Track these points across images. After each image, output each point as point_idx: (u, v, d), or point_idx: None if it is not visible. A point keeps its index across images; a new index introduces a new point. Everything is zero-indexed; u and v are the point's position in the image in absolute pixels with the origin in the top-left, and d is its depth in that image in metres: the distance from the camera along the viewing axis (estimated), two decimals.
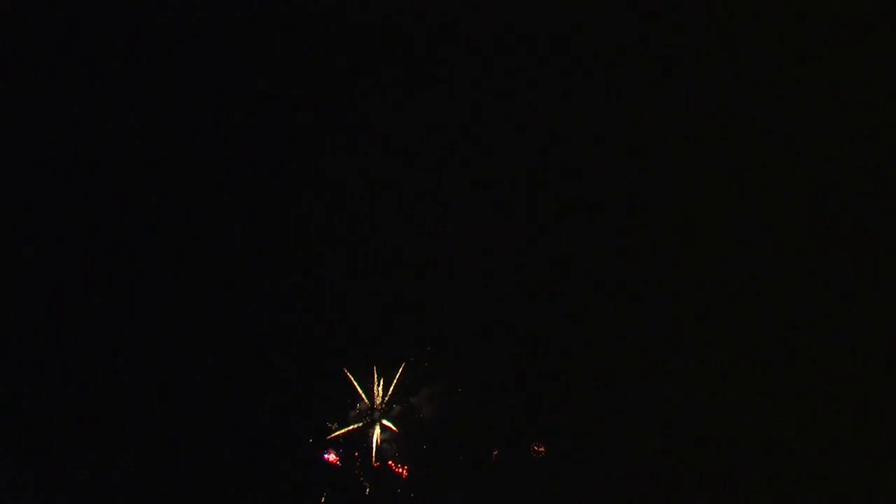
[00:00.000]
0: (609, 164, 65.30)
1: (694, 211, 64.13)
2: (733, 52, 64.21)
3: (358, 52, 66.75)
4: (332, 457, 64.80)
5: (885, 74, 61.01)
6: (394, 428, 64.13)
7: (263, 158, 66.61)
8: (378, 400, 64.53)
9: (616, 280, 64.28)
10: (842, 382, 60.16)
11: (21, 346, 62.87)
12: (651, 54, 65.30)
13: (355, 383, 64.60)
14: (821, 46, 62.43)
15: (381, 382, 64.35)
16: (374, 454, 64.18)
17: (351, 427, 64.50)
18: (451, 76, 66.60)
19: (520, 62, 66.14)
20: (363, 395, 64.66)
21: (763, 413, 61.00)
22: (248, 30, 66.16)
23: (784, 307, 62.22)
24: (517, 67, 66.23)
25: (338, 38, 66.84)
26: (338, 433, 64.31)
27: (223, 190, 66.10)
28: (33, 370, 62.90)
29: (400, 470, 64.22)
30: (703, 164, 64.01)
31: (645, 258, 64.18)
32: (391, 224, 66.13)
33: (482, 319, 64.79)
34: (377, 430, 64.37)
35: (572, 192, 65.54)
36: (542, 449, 63.23)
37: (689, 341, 62.48)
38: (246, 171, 66.42)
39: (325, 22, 66.13)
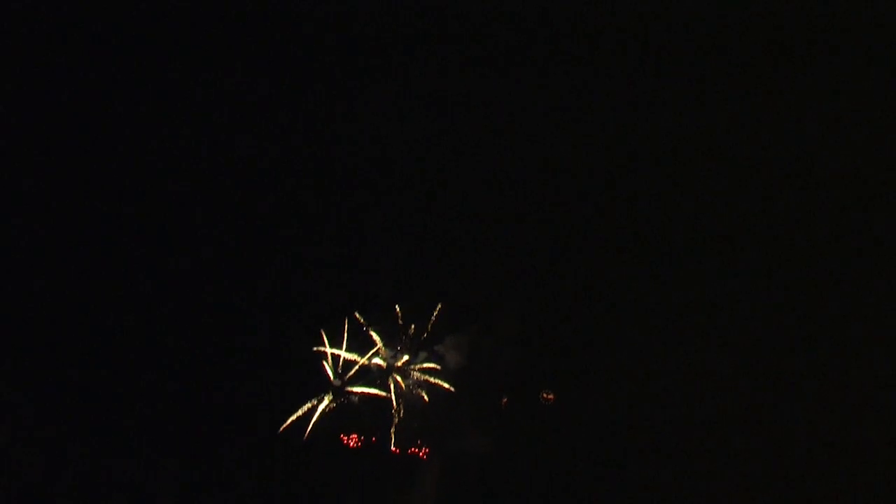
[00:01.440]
0: (612, 162, 67.45)
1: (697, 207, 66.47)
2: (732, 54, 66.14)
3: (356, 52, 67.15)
4: (352, 441, 62.55)
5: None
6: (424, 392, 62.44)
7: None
8: (402, 349, 63.08)
9: (625, 237, 66.42)
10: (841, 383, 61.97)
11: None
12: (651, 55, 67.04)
13: (373, 333, 62.87)
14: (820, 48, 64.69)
15: (410, 331, 62.93)
16: (394, 429, 62.41)
17: (369, 389, 62.69)
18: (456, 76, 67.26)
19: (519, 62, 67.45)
20: (380, 345, 62.90)
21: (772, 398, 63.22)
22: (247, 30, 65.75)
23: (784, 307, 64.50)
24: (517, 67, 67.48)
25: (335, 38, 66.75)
26: (354, 391, 62.42)
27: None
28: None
29: (420, 450, 63.28)
30: (704, 165, 66.05)
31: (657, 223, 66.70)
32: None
33: (501, 270, 65.98)
34: (399, 398, 62.57)
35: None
36: (550, 397, 65.35)
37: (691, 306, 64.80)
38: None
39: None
